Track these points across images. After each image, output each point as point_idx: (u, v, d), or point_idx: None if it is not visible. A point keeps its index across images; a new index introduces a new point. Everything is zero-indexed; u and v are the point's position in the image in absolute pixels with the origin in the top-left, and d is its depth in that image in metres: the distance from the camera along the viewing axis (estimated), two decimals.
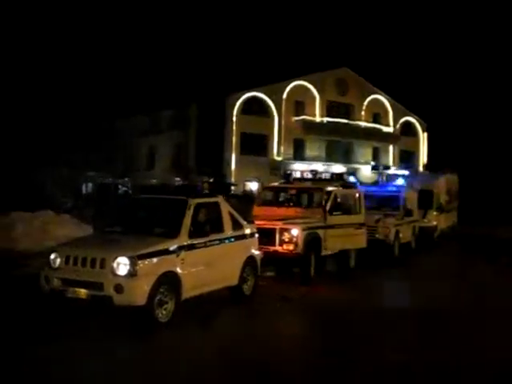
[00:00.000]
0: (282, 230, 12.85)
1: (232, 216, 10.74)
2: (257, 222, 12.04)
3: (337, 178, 18.05)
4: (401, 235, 18.49)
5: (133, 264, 8.24)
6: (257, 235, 11.45)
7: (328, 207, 14.07)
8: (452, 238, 25.13)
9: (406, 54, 74.63)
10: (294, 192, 15.45)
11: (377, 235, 17.39)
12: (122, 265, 8.26)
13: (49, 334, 8.22)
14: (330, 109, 48.88)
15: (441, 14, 75.92)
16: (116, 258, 8.29)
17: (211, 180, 37.26)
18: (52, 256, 8.85)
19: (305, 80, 47.14)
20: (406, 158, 53.90)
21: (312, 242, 13.22)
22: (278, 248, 12.81)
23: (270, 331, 9.19)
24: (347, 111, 50.22)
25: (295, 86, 46.72)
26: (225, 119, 43.31)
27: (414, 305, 11.60)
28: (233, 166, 43.33)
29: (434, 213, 23.08)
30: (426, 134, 55.86)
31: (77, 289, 8.38)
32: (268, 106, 45.54)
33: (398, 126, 54.00)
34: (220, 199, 10.70)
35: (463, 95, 56.33)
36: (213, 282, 9.87)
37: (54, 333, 8.27)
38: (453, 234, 25.81)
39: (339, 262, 15.18)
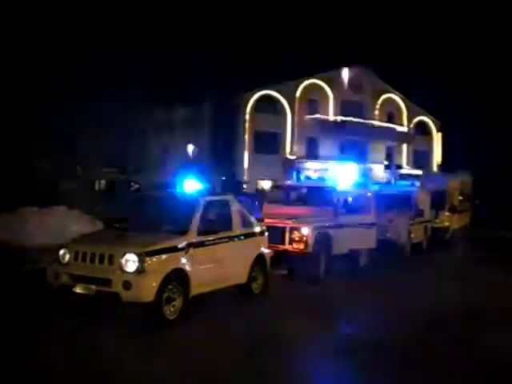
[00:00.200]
0: (293, 229, 12.82)
1: (241, 214, 10.72)
2: (267, 221, 12.04)
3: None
4: (412, 235, 18.41)
5: (141, 261, 8.25)
6: (266, 233, 11.43)
7: (339, 206, 14.01)
8: (464, 239, 24.93)
9: (420, 53, 74.14)
10: (304, 190, 15.41)
11: (388, 235, 17.32)
12: (130, 261, 8.28)
13: (56, 330, 8.24)
14: (344, 108, 48.70)
15: (457, 14, 75.37)
16: (124, 254, 8.31)
17: (223, 178, 37.35)
18: (61, 252, 8.90)
19: (318, 78, 47.01)
20: (420, 158, 53.59)
21: (322, 241, 13.18)
22: (287, 247, 12.78)
23: (278, 330, 9.15)
24: (361, 110, 50.02)
25: (309, 85, 46.59)
26: (238, 117, 43.28)
27: (422, 305, 11.47)
28: (245, 165, 43.30)
29: (447, 213, 22.92)
30: (440, 134, 55.52)
31: (85, 285, 8.41)
32: (281, 105, 45.45)
33: (411, 125, 53.74)
34: (230, 197, 10.70)
35: (478, 95, 55.92)
36: (221, 279, 9.87)
37: (58, 328, 8.29)
38: (465, 235, 25.61)
39: (349, 262, 15.12)
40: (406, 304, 11.50)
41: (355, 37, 65.73)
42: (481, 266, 17.59)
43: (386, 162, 50.53)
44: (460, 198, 24.72)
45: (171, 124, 48.74)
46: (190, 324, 8.82)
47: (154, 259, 8.41)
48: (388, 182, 27.79)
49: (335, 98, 47.93)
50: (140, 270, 8.24)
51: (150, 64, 51.15)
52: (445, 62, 67.03)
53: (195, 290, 9.11)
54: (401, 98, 52.51)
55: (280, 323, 9.63)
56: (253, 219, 11.06)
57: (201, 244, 9.32)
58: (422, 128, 55.06)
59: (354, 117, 48.61)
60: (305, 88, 46.38)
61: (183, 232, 9.15)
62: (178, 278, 8.76)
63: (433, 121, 55.26)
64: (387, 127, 51.26)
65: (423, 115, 54.63)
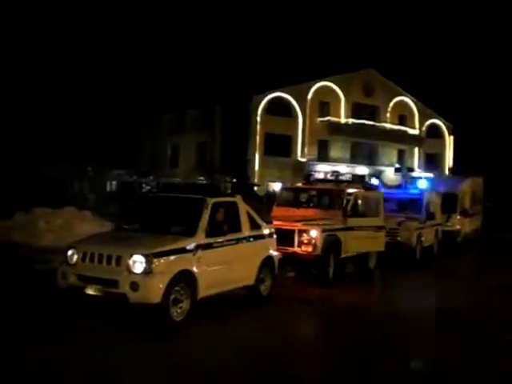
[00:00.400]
0: (301, 231, 12.77)
1: (250, 216, 10.69)
2: (276, 223, 11.99)
3: (358, 180, 17.90)
4: (423, 238, 18.31)
5: (148, 262, 8.25)
6: (275, 236, 11.40)
7: (348, 209, 13.98)
8: (475, 243, 24.82)
9: (432, 56, 73.89)
10: (314, 193, 15.37)
11: (398, 238, 17.27)
12: (137, 262, 8.27)
13: (63, 330, 8.27)
14: (356, 110, 48.59)
15: (469, 17, 75.08)
16: (132, 255, 8.31)
17: (234, 180, 37.38)
18: (69, 252, 8.92)
19: (330, 81, 46.92)
20: (432, 161, 53.35)
21: (331, 243, 13.12)
22: (296, 249, 12.74)
23: (285, 333, 9.14)
24: (372, 113, 49.89)
25: (320, 87, 46.52)
26: (249, 119, 43.27)
27: (431, 308, 11.44)
28: (256, 167, 43.27)
29: (458, 217, 22.81)
30: (452, 137, 55.24)
31: (92, 285, 8.41)
32: (292, 107, 45.39)
33: (423, 128, 53.51)
34: (238, 199, 10.67)
35: (490, 98, 55.64)
36: (229, 281, 9.84)
37: (68, 329, 8.33)
38: (476, 239, 25.49)
39: (359, 265, 15.08)
40: (412, 306, 11.46)
41: (368, 39, 65.75)
42: (492, 269, 17.50)
43: (397, 165, 50.32)
44: (471, 201, 24.57)
45: (182, 126, 48.86)
46: (197, 326, 8.81)
47: (162, 260, 8.40)
48: (399, 185, 27.68)
49: (347, 101, 47.81)
50: (147, 271, 8.23)
51: (161, 67, 51.38)
52: (458, 64, 66.71)
53: (203, 291, 9.09)
54: (413, 100, 52.32)
55: (288, 326, 9.62)
56: (261, 221, 11.03)
57: (209, 246, 9.29)
58: (434, 131, 54.77)
59: (366, 119, 48.49)
60: (316, 90, 46.31)
61: (191, 233, 9.13)
62: (185, 279, 8.74)
63: (445, 124, 54.97)
64: (399, 130, 51.08)
65: (435, 118, 54.37)
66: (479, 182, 26.97)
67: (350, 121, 47.91)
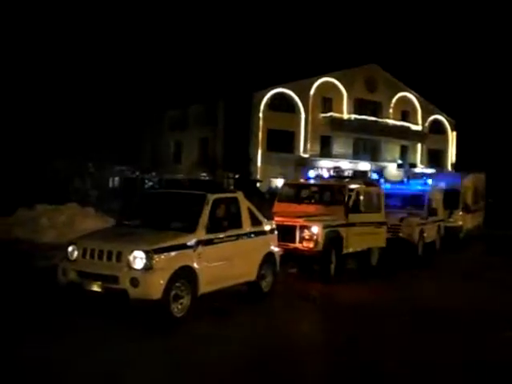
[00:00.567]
0: (303, 227, 12.75)
1: (251, 212, 10.67)
2: (277, 219, 11.97)
3: (360, 176, 17.87)
4: (425, 234, 18.27)
5: (149, 258, 8.24)
6: (276, 232, 11.38)
7: (350, 205, 13.95)
8: (478, 239, 24.76)
9: (435, 52, 73.65)
10: (315, 189, 15.34)
11: (400, 234, 17.24)
12: (138, 258, 8.26)
13: (62, 327, 8.28)
14: (358, 106, 48.52)
15: (471, 13, 74.82)
16: (132, 251, 8.29)
17: (237, 176, 37.38)
18: (69, 248, 8.91)
19: (333, 76, 46.85)
20: (434, 157, 53.27)
21: (333, 239, 13.12)
22: (298, 245, 12.73)
23: (287, 329, 9.13)
24: (375, 109, 49.81)
25: (323, 83, 46.46)
26: (251, 115, 43.24)
27: (433, 305, 11.38)
28: (258, 163, 43.25)
29: (460, 213, 22.75)
30: (454, 133, 55.14)
31: (92, 281, 8.40)
32: (295, 103, 45.35)
33: (426, 124, 53.43)
34: (239, 195, 10.65)
35: (493, 94, 55.45)
36: (230, 277, 9.82)
37: (67, 326, 8.33)
38: (479, 235, 25.43)
39: (360, 261, 15.06)
40: (414, 303, 11.43)
41: (370, 35, 65.57)
42: (494, 266, 17.46)
43: (399, 161, 50.25)
44: (473, 197, 24.50)
45: (185, 122, 48.84)
46: (198, 322, 8.80)
47: (162, 256, 8.39)
48: (401, 181, 27.63)
49: (349, 97, 47.74)
50: (148, 267, 8.22)
51: (164, 63, 51.33)
52: (461, 60, 66.52)
53: (204, 287, 9.07)
54: (415, 96, 52.22)
55: (289, 322, 9.61)
56: (262, 217, 11.01)
57: (209, 242, 9.28)
58: (437, 127, 54.66)
59: (368, 115, 48.42)
60: (319, 86, 46.26)
61: (192, 229, 9.11)
62: (186, 275, 8.72)
63: (447, 120, 54.87)
64: (401, 126, 50.99)
65: (438, 114, 54.26)
66: (481, 178, 26.88)
67: (353, 117, 47.86)
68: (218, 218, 9.60)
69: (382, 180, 20.95)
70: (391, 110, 50.68)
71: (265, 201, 19.80)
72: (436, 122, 54.58)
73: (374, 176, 23.24)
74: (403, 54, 63.50)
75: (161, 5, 69.07)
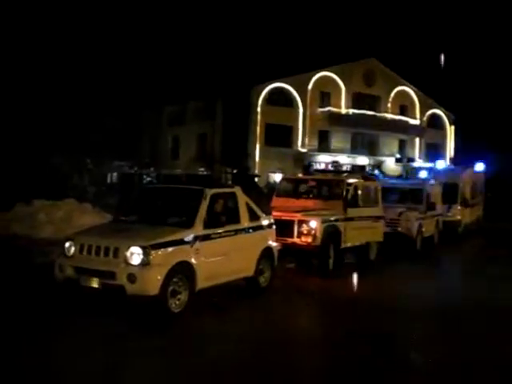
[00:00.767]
0: (301, 222, 12.72)
1: (249, 207, 10.63)
2: (275, 214, 11.94)
3: (358, 170, 17.84)
4: (423, 229, 18.24)
5: (146, 253, 8.20)
6: (274, 226, 11.33)
7: (348, 199, 13.92)
8: (476, 233, 24.75)
9: (433, 46, 73.51)
10: (313, 183, 15.28)
11: (399, 228, 17.23)
12: (135, 254, 8.22)
13: (59, 324, 8.24)
14: (356, 100, 48.42)
15: (469, 7, 74.68)
16: (129, 247, 8.26)
17: (235, 171, 37.30)
18: (66, 244, 8.87)
19: (331, 71, 46.72)
20: (433, 151, 53.20)
21: (331, 234, 13.08)
22: (296, 240, 12.69)
23: (285, 324, 9.09)
24: (373, 103, 49.71)
25: (321, 77, 46.33)
26: (250, 110, 43.14)
27: (432, 300, 11.37)
28: (257, 158, 43.17)
29: (459, 207, 22.72)
30: (452, 127, 55.09)
31: (89, 277, 8.37)
32: (293, 97, 45.24)
33: (424, 118, 53.33)
34: (237, 190, 10.60)
35: (491, 88, 55.38)
36: (228, 273, 9.79)
37: (64, 322, 8.29)
38: (477, 229, 25.42)
39: (359, 255, 15.03)
40: (413, 298, 11.41)
41: (368, 29, 65.39)
42: (492, 260, 17.45)
43: (397, 155, 50.20)
44: (472, 191, 24.46)
45: (183, 117, 48.73)
46: (195, 318, 8.78)
47: (159, 252, 8.35)
48: (399, 175, 27.60)
49: (347, 91, 47.63)
50: (145, 263, 8.18)
51: (162, 58, 51.19)
52: (458, 54, 66.34)
53: (201, 283, 9.04)
54: (414, 90, 52.11)
55: (287, 317, 9.58)
56: (260, 212, 10.96)
57: (207, 237, 9.24)
58: (435, 121, 54.60)
59: (367, 109, 48.32)
60: (317, 80, 46.13)
61: (189, 225, 9.07)
62: (183, 271, 8.68)
63: (446, 114, 54.80)
64: (400, 120, 50.90)
65: (436, 108, 54.18)
66: (480, 172, 26.84)
67: (351, 111, 47.74)
68: (215, 213, 9.54)
69: (380, 174, 20.88)
70: (389, 105, 50.57)
71: (263, 195, 19.77)
72: (434, 117, 54.49)
73: (373, 171, 23.21)
74: (401, 48, 63.32)
75: (159, 1, 68.87)
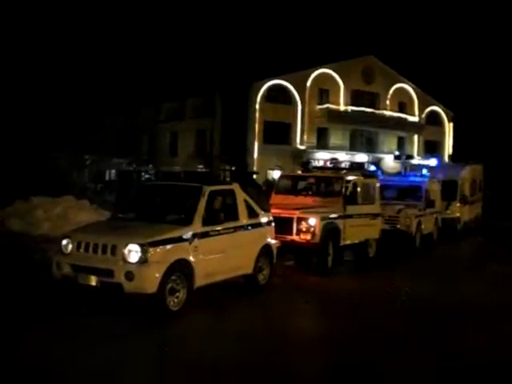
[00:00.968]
0: (300, 219, 12.65)
1: (248, 204, 10.57)
2: (274, 211, 11.88)
3: (357, 167, 17.76)
4: (423, 226, 18.21)
5: (144, 251, 8.13)
6: (273, 224, 11.27)
7: (347, 197, 13.86)
8: (475, 230, 24.72)
9: (432, 43, 73.51)
10: (312, 181, 15.22)
11: (398, 226, 17.19)
12: (133, 252, 8.16)
13: (56, 322, 8.17)
14: (355, 97, 48.33)
15: (468, 4, 74.59)
16: (127, 244, 8.19)
17: (233, 168, 37.26)
18: (64, 242, 8.80)
19: (329, 68, 46.62)
20: (431, 149, 53.15)
21: (330, 231, 13.02)
22: (295, 237, 12.63)
23: (284, 322, 9.04)
24: (372, 100, 49.61)
25: (319, 74, 46.22)
26: (248, 107, 43.05)
27: (432, 297, 11.31)
28: (255, 155, 43.09)
29: (458, 204, 22.68)
30: (451, 124, 55.05)
31: (87, 275, 8.30)
32: (292, 94, 45.15)
33: (423, 115, 53.25)
34: (236, 187, 10.53)
35: (490, 85, 55.36)
36: (226, 270, 9.73)
37: (61, 321, 8.22)
38: (476, 226, 25.39)
39: (358, 253, 14.98)
40: (412, 295, 11.36)
41: (367, 26, 65.33)
42: (491, 258, 17.43)
43: (396, 153, 50.14)
44: (471, 188, 24.42)
45: (182, 114, 48.62)
46: (194, 316, 8.72)
47: (158, 250, 8.28)
48: (398, 172, 27.55)
49: (346, 88, 47.54)
50: (143, 261, 8.12)
51: (161, 55, 51.10)
52: (457, 51, 66.27)
53: (200, 281, 8.98)
54: (412, 87, 52.03)
55: (286, 315, 9.53)
56: (259, 209, 10.90)
57: (206, 234, 9.17)
58: (434, 118, 54.54)
59: (365, 106, 48.23)
60: (316, 77, 46.03)
61: (188, 222, 9.01)
62: (181, 268, 8.63)
63: (444, 111, 54.73)
64: (398, 117, 50.83)
65: (435, 105, 54.12)
66: (479, 170, 26.82)
67: (350, 108, 47.65)
68: (214, 210, 9.48)
69: (379, 171, 20.78)
70: (388, 102, 50.48)
71: (261, 193, 19.69)
72: (433, 114, 54.41)
73: (372, 168, 23.08)
74: (400, 45, 63.22)
75: None
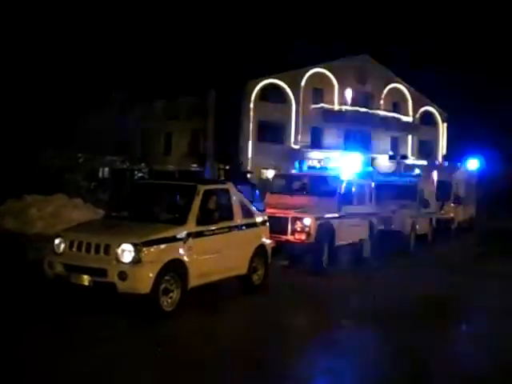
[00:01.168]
0: (295, 219, 12.61)
1: (242, 203, 10.49)
2: (269, 211, 11.82)
3: None
4: (417, 226, 18.20)
5: (137, 251, 8.04)
6: (268, 223, 11.20)
7: (343, 196, 13.80)
8: (470, 231, 24.75)
9: (426, 43, 73.64)
10: (307, 180, 15.16)
11: (393, 226, 17.13)
12: (126, 251, 8.06)
13: (50, 320, 8.08)
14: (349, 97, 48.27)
15: (462, 4, 74.72)
16: (120, 244, 8.10)
17: (227, 167, 37.15)
18: (56, 241, 8.70)
19: (324, 67, 46.60)
20: (425, 149, 53.22)
21: (325, 231, 12.98)
22: (290, 237, 12.59)
23: (278, 323, 8.97)
24: (366, 100, 49.61)
25: (314, 74, 46.21)
26: (242, 106, 42.98)
27: (426, 297, 11.28)
28: (249, 154, 43.03)
29: (452, 204, 22.71)
30: (445, 125, 55.13)
31: (80, 275, 8.20)
32: (286, 93, 45.11)
33: (417, 115, 53.32)
34: (230, 186, 10.44)
35: (484, 85, 55.47)
36: (221, 270, 9.65)
37: (54, 320, 8.13)
38: (471, 227, 25.42)
39: (353, 253, 14.92)
40: (407, 295, 11.34)
41: (362, 25, 65.30)
42: (484, 258, 17.46)
43: (390, 152, 50.16)
44: (465, 189, 24.45)
45: (175, 113, 48.48)
46: (187, 316, 8.63)
47: (151, 249, 8.19)
48: (393, 173, 27.52)
49: (340, 87, 47.51)
50: (136, 261, 8.03)
51: (154, 53, 50.98)
52: (452, 51, 66.43)
53: (194, 281, 8.89)
54: (406, 87, 52.09)
55: (281, 316, 9.46)
56: (254, 209, 10.82)
57: (200, 234, 9.09)
58: (428, 118, 54.61)
59: (359, 106, 48.22)
60: (310, 77, 46.00)
61: (182, 222, 8.92)
62: (175, 268, 8.53)
63: (438, 111, 54.82)
64: (392, 117, 50.86)
65: (429, 105, 54.19)
66: (473, 170, 26.84)
67: (344, 108, 47.63)
68: (208, 209, 9.38)
69: (373, 171, 20.74)
70: (382, 101, 50.53)
71: (255, 192, 19.59)
72: (427, 114, 54.49)
73: (367, 168, 23.02)
74: (395, 45, 63.28)
75: None
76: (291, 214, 12.68)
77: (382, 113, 50.14)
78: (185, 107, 47.88)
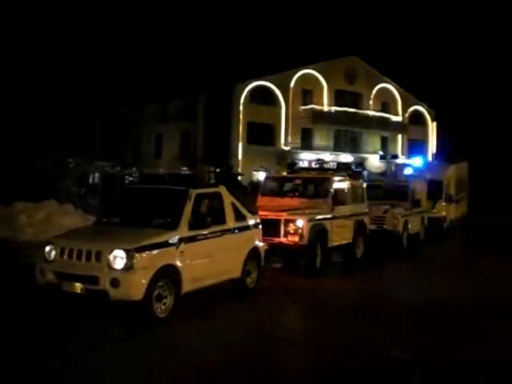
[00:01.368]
0: (287, 221, 12.53)
1: (235, 207, 10.40)
2: (261, 213, 11.73)
3: (343, 168, 17.67)
4: (409, 226, 18.17)
5: (130, 257, 7.93)
6: (260, 226, 11.12)
7: (335, 198, 13.75)
8: (462, 229, 24.78)
9: (415, 42, 73.85)
10: (299, 182, 15.09)
11: (385, 226, 17.12)
12: (118, 258, 7.95)
13: (42, 328, 7.98)
14: (338, 97, 48.33)
15: (450, 3, 74.96)
16: (112, 250, 7.98)
17: (218, 170, 37.05)
18: (47, 248, 8.57)
19: (313, 68, 46.60)
20: (415, 148, 53.32)
21: (318, 233, 12.91)
22: (282, 239, 12.50)
23: (272, 326, 8.90)
24: (355, 100, 49.66)
25: (303, 75, 46.18)
26: (232, 108, 42.93)
27: (419, 297, 11.25)
28: (239, 156, 42.96)
29: (443, 203, 22.72)
30: (435, 124, 55.27)
31: (71, 283, 8.08)
32: (275, 95, 45.07)
33: (406, 115, 53.42)
34: (222, 189, 10.35)
35: (473, 84, 55.66)
36: (214, 275, 9.56)
37: (47, 328, 8.02)
38: (462, 225, 25.46)
39: (346, 254, 14.88)
40: (400, 295, 11.31)
41: (350, 26, 65.47)
42: (476, 256, 17.48)
43: (380, 152, 50.23)
44: (456, 187, 24.47)
45: (165, 116, 48.35)
46: (181, 322, 8.54)
47: (144, 255, 8.07)
48: (384, 172, 27.56)
49: (329, 88, 47.54)
50: (128, 267, 7.91)
51: (143, 57, 50.86)
52: (440, 50, 66.72)
53: (187, 286, 8.80)
54: (395, 87, 52.18)
55: (275, 318, 9.40)
56: (246, 212, 10.74)
57: (192, 239, 8.99)
58: (417, 117, 54.73)
59: (349, 107, 48.26)
60: (299, 78, 45.99)
61: (174, 226, 8.82)
62: (168, 274, 8.43)
63: (428, 110, 54.95)
64: (382, 117, 50.93)
65: (418, 105, 54.31)
66: (464, 168, 26.90)
67: (333, 108, 47.65)
68: (200, 213, 9.28)
69: (364, 172, 20.79)
70: (371, 102, 50.58)
71: (247, 194, 19.54)
72: (416, 113, 54.59)
73: (357, 168, 23.09)
74: (383, 45, 63.40)
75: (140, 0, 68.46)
76: (283, 215, 12.61)
77: (371, 113, 50.20)
78: (175, 110, 47.75)
